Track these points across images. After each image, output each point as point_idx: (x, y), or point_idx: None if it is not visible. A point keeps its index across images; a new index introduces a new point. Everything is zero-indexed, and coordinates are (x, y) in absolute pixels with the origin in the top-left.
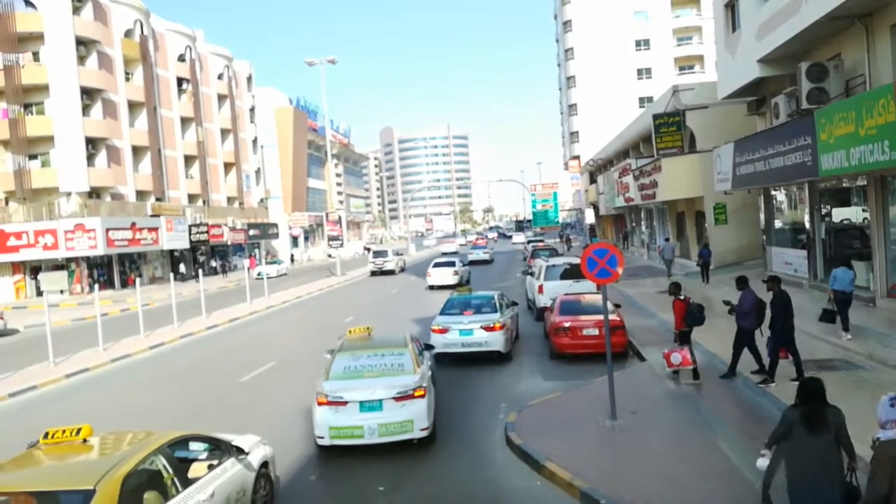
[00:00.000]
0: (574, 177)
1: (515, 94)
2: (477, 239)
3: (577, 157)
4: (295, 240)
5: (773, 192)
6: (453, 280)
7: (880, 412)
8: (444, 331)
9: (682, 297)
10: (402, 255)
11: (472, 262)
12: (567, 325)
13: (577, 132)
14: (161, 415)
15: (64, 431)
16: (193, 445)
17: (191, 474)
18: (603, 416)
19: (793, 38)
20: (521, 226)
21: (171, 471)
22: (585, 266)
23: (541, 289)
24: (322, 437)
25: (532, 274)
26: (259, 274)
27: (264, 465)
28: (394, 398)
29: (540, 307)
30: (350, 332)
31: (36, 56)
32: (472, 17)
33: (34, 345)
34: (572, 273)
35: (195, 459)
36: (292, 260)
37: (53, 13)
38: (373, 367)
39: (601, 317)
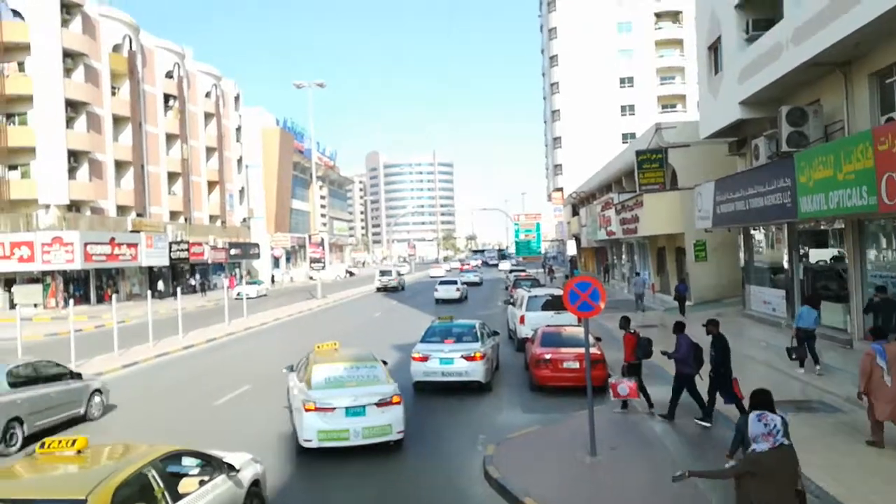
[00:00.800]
0: (557, 208)
1: (502, 124)
2: (462, 265)
3: (561, 190)
4: (276, 260)
5: (752, 232)
6: (456, 295)
7: (751, 428)
8: (424, 359)
9: (632, 331)
10: (402, 275)
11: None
12: (548, 357)
13: (560, 165)
14: (131, 438)
15: (60, 442)
16: (185, 461)
17: (181, 489)
18: (583, 451)
19: (774, 82)
20: (503, 254)
21: (161, 484)
22: (568, 299)
23: (522, 319)
24: (310, 440)
25: (514, 304)
26: (239, 294)
27: (255, 483)
28: (375, 404)
29: (521, 338)
30: (318, 347)
31: (21, 66)
32: (461, 47)
33: (4, 361)
34: (554, 304)
35: (186, 474)
36: (273, 281)
37: (41, 24)
38: (352, 378)
39: (582, 350)
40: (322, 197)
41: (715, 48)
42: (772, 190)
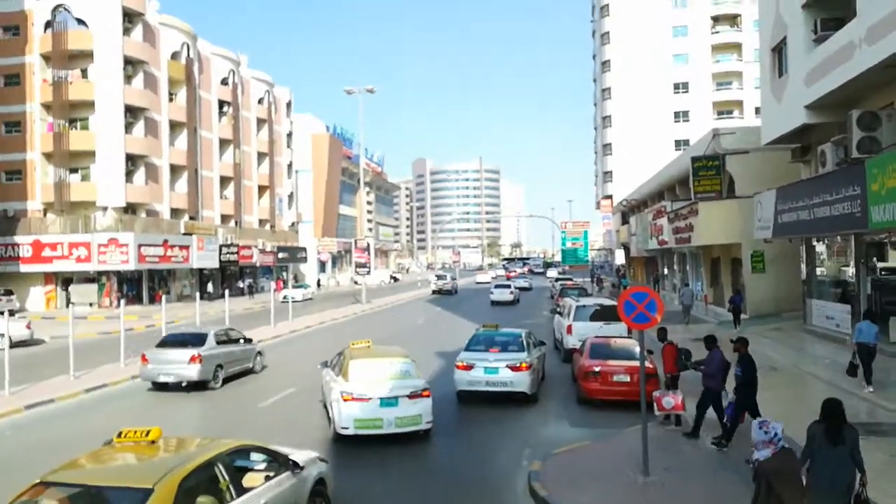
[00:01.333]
0: (605, 216)
1: (549, 131)
2: (508, 272)
3: (610, 197)
4: (323, 265)
5: (814, 243)
6: (510, 297)
7: (753, 435)
8: (468, 367)
9: (671, 342)
10: (456, 279)
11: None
12: (597, 369)
13: (610, 172)
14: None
15: (135, 432)
16: (253, 456)
17: (246, 483)
18: (635, 470)
19: (844, 84)
20: (548, 263)
21: (227, 478)
22: (623, 310)
23: (569, 329)
24: (346, 428)
25: (560, 313)
26: (285, 297)
27: (320, 481)
28: (408, 396)
29: (568, 348)
30: (352, 344)
31: (84, 73)
32: (509, 53)
33: (58, 357)
34: (603, 314)
35: (252, 469)
36: (319, 285)
37: (104, 33)
38: (385, 372)
39: (633, 363)
40: (369, 203)
41: (779, 50)
42: (840, 198)
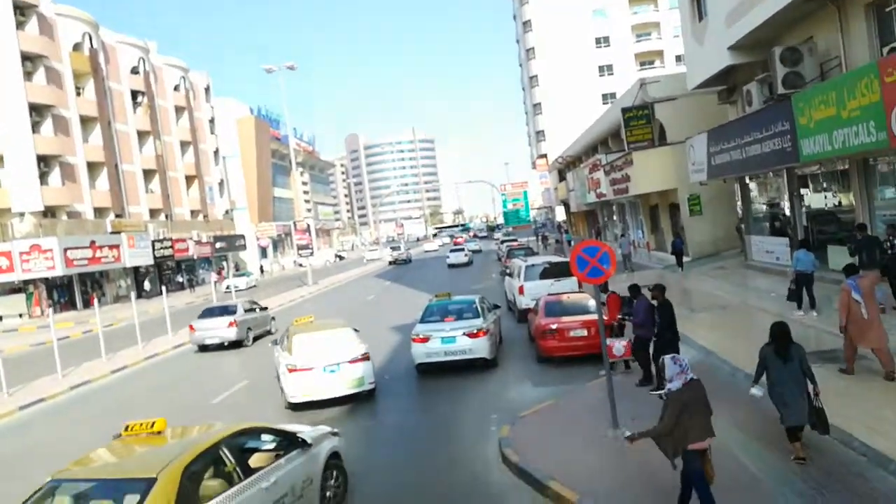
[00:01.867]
0: (542, 175)
1: (479, 95)
2: (455, 239)
3: (545, 156)
4: (263, 250)
5: (748, 181)
6: (465, 259)
7: (667, 371)
8: (424, 340)
9: (613, 292)
10: (410, 249)
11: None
12: (554, 327)
13: (542, 131)
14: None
15: (141, 424)
16: (261, 437)
17: (254, 464)
18: (604, 424)
19: (764, 22)
20: (492, 227)
21: (233, 460)
22: (575, 265)
23: (521, 289)
24: (294, 397)
25: (510, 274)
26: (228, 287)
27: (334, 455)
28: (348, 362)
29: (522, 308)
30: (295, 321)
31: None
32: (430, 20)
33: None
34: (552, 272)
35: (260, 450)
36: (262, 271)
37: None
38: (326, 342)
39: (588, 317)
40: (304, 183)
41: None
42: (770, 135)
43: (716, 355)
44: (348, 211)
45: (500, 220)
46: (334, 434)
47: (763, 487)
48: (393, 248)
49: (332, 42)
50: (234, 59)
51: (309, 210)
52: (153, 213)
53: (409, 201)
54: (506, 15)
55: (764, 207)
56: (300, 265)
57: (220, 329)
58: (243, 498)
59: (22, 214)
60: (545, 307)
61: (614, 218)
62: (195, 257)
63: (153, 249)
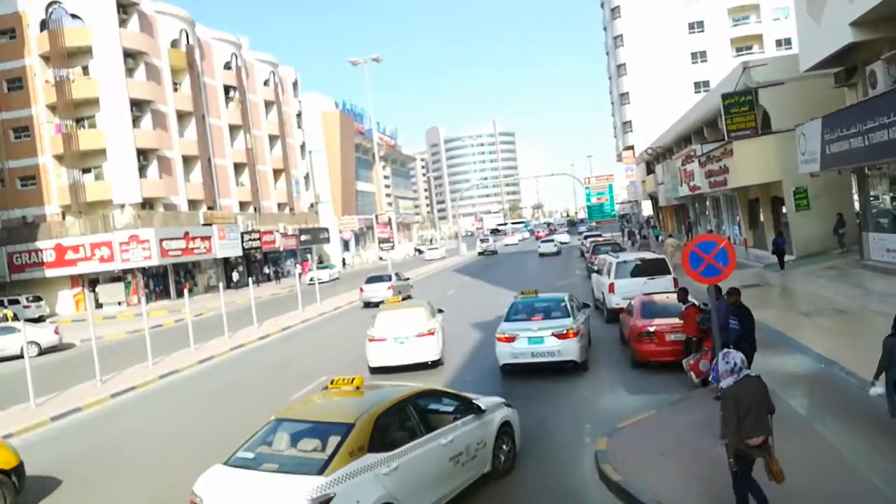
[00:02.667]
0: (629, 168)
1: (562, 86)
2: (536, 234)
3: (632, 148)
4: (346, 243)
5: (868, 172)
6: (555, 250)
7: (720, 367)
8: (510, 339)
9: (692, 303)
10: (496, 241)
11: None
12: (652, 329)
13: (629, 122)
14: (203, 440)
15: (343, 380)
16: (442, 400)
17: (435, 422)
18: (712, 440)
19: None
20: (573, 222)
21: (416, 417)
22: (688, 263)
23: (612, 287)
24: (372, 362)
25: (598, 271)
26: (311, 279)
27: (506, 424)
28: (416, 336)
29: (611, 308)
30: (387, 301)
31: (85, 70)
32: (513, 11)
33: (86, 360)
34: (645, 269)
35: (440, 412)
36: (344, 264)
37: (101, 26)
38: (403, 319)
39: None
40: (386, 177)
41: None
42: None
43: (839, 366)
44: (427, 205)
45: (581, 215)
46: (508, 405)
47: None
48: (482, 241)
49: (413, 35)
50: (318, 53)
51: (390, 204)
52: (242, 205)
53: (487, 195)
54: (592, 2)
55: (887, 200)
56: (381, 259)
57: (382, 291)
58: (424, 450)
59: (122, 206)
60: (641, 308)
61: (708, 213)
62: (281, 249)
63: (242, 241)
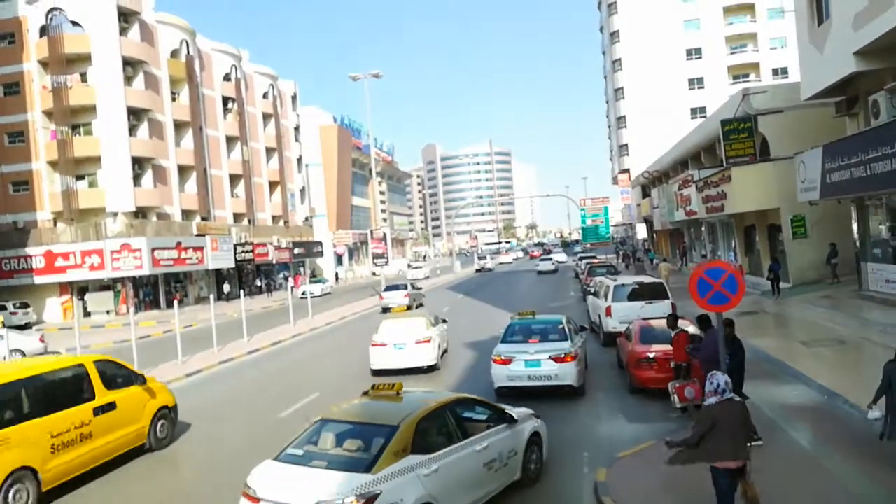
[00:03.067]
0: (624, 191)
1: (558, 109)
2: (531, 253)
3: (627, 171)
4: (339, 258)
5: (867, 202)
6: (552, 268)
7: (706, 389)
8: (506, 362)
9: (683, 330)
10: (494, 259)
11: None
12: (651, 355)
13: (626, 145)
14: (186, 460)
15: (384, 386)
16: (476, 408)
17: (470, 429)
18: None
19: None
20: (567, 243)
21: (454, 423)
22: (695, 290)
23: (609, 311)
24: (373, 366)
25: (595, 294)
26: (304, 293)
27: (536, 434)
28: (414, 342)
29: (608, 331)
30: (393, 310)
31: (83, 77)
32: (513, 33)
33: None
34: (642, 293)
35: (475, 419)
36: (337, 278)
37: (101, 34)
38: (404, 328)
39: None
40: (381, 192)
41: None
42: None
43: (842, 398)
44: (422, 222)
45: (576, 236)
46: (537, 417)
47: None
48: (480, 258)
49: (412, 54)
50: (316, 67)
51: (385, 219)
52: (237, 217)
53: (482, 214)
54: (592, 26)
55: (882, 230)
56: (375, 274)
57: (398, 297)
58: (461, 455)
59: (115, 214)
60: (640, 333)
61: (703, 238)
62: (274, 262)
63: (235, 253)
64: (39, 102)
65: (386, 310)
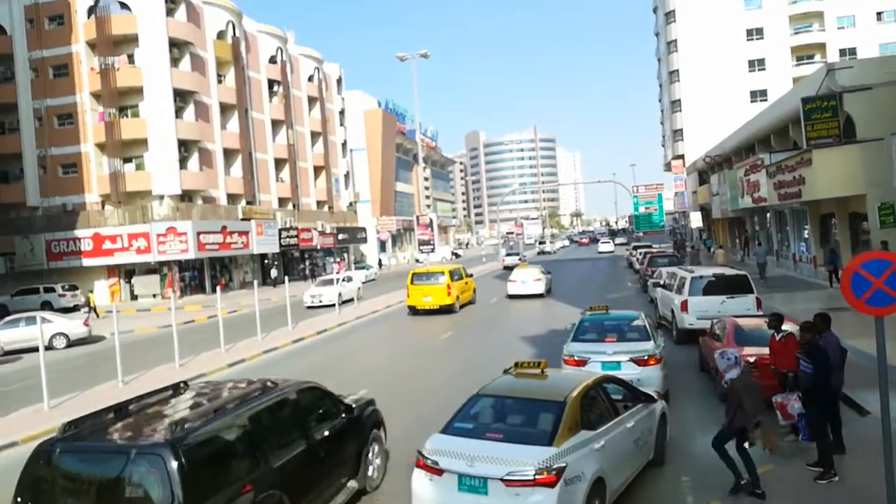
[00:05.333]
0: (677, 177)
1: (605, 94)
2: (580, 240)
3: (682, 157)
4: (383, 244)
5: None
6: (612, 248)
7: (720, 365)
8: (580, 363)
9: (790, 333)
10: (554, 245)
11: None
12: (752, 360)
13: (680, 130)
14: None
15: (529, 363)
16: (613, 387)
17: (616, 408)
18: None
19: None
20: (614, 232)
21: (606, 401)
22: (850, 287)
23: (684, 305)
24: (509, 292)
25: (664, 286)
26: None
27: (664, 416)
28: (534, 280)
29: (683, 328)
30: (520, 265)
31: (131, 58)
32: (559, 16)
33: (113, 357)
34: (723, 287)
35: (617, 398)
36: (380, 265)
37: (148, 15)
38: (529, 274)
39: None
40: (425, 178)
41: None
42: None
43: None
44: (464, 209)
45: (622, 224)
46: (662, 396)
47: None
48: (509, 255)
49: (453, 40)
50: (358, 51)
51: (428, 206)
52: (281, 201)
53: (526, 201)
54: (641, 9)
55: None
56: (418, 261)
57: (515, 259)
58: (619, 431)
59: (161, 197)
60: (734, 333)
61: (769, 227)
62: (318, 247)
63: (279, 238)
64: (88, 84)
65: (507, 268)
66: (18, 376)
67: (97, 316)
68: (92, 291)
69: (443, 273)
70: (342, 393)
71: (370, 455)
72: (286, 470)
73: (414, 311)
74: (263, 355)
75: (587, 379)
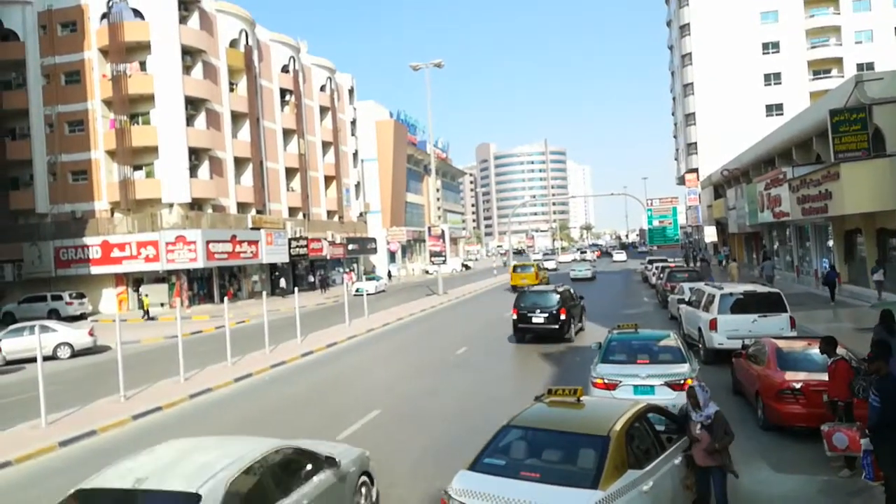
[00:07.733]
0: (691, 191)
1: (615, 108)
2: (597, 251)
3: (696, 170)
4: (392, 255)
5: None
6: (625, 258)
7: (700, 398)
8: (611, 386)
9: (842, 357)
10: (553, 260)
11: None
12: (798, 386)
13: (695, 143)
14: None
15: (563, 390)
16: (659, 417)
17: (662, 442)
18: None
19: None
20: (625, 245)
21: (652, 434)
22: None
23: (713, 324)
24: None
25: (690, 303)
26: (357, 290)
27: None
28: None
29: (712, 348)
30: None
31: (143, 65)
32: (571, 30)
33: (116, 369)
34: (754, 305)
35: (662, 431)
36: (390, 276)
37: (161, 22)
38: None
39: None
40: (436, 190)
41: None
42: None
43: None
44: (474, 220)
45: (632, 238)
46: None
47: None
48: (545, 256)
49: (464, 52)
50: (370, 62)
51: (439, 217)
52: (292, 211)
53: (535, 213)
54: (653, 23)
55: None
56: (427, 272)
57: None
58: (666, 469)
59: (171, 205)
60: (776, 356)
61: (788, 242)
62: (328, 257)
63: (289, 247)
64: (99, 91)
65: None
66: (18, 388)
67: (151, 318)
68: (147, 295)
69: (531, 266)
70: (348, 415)
71: None
72: None
73: (514, 289)
74: (271, 370)
75: (630, 409)
